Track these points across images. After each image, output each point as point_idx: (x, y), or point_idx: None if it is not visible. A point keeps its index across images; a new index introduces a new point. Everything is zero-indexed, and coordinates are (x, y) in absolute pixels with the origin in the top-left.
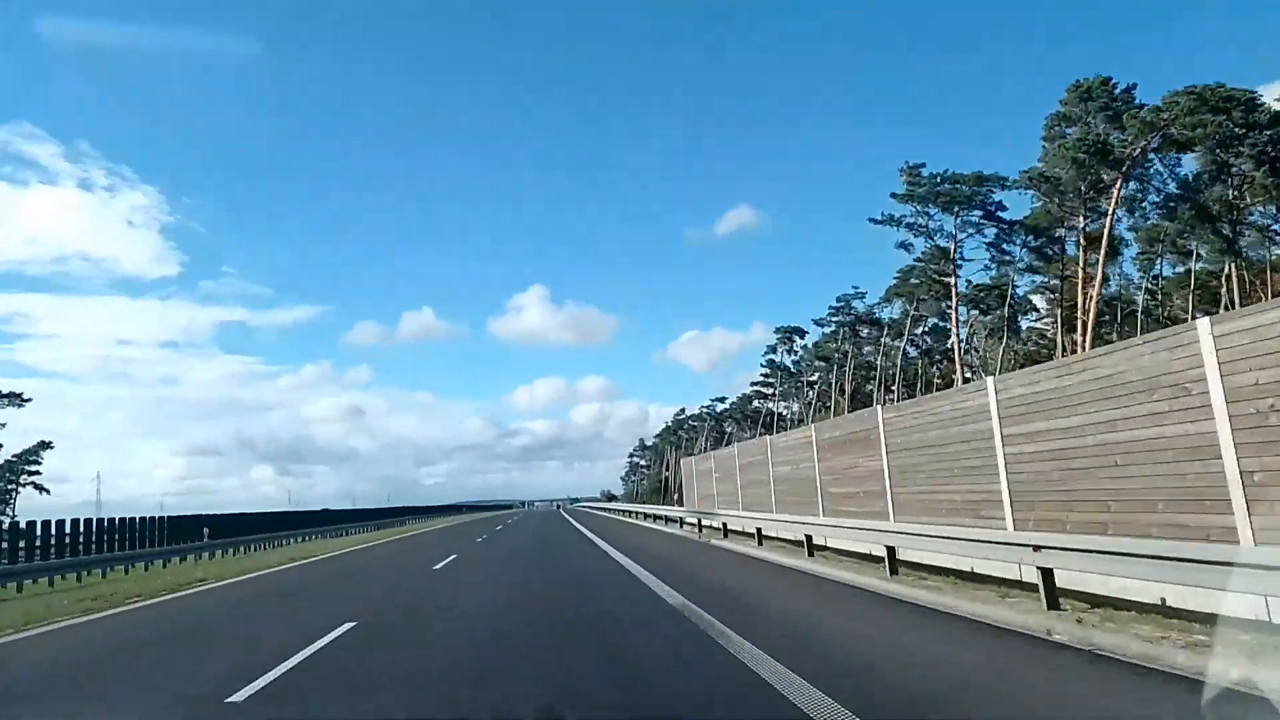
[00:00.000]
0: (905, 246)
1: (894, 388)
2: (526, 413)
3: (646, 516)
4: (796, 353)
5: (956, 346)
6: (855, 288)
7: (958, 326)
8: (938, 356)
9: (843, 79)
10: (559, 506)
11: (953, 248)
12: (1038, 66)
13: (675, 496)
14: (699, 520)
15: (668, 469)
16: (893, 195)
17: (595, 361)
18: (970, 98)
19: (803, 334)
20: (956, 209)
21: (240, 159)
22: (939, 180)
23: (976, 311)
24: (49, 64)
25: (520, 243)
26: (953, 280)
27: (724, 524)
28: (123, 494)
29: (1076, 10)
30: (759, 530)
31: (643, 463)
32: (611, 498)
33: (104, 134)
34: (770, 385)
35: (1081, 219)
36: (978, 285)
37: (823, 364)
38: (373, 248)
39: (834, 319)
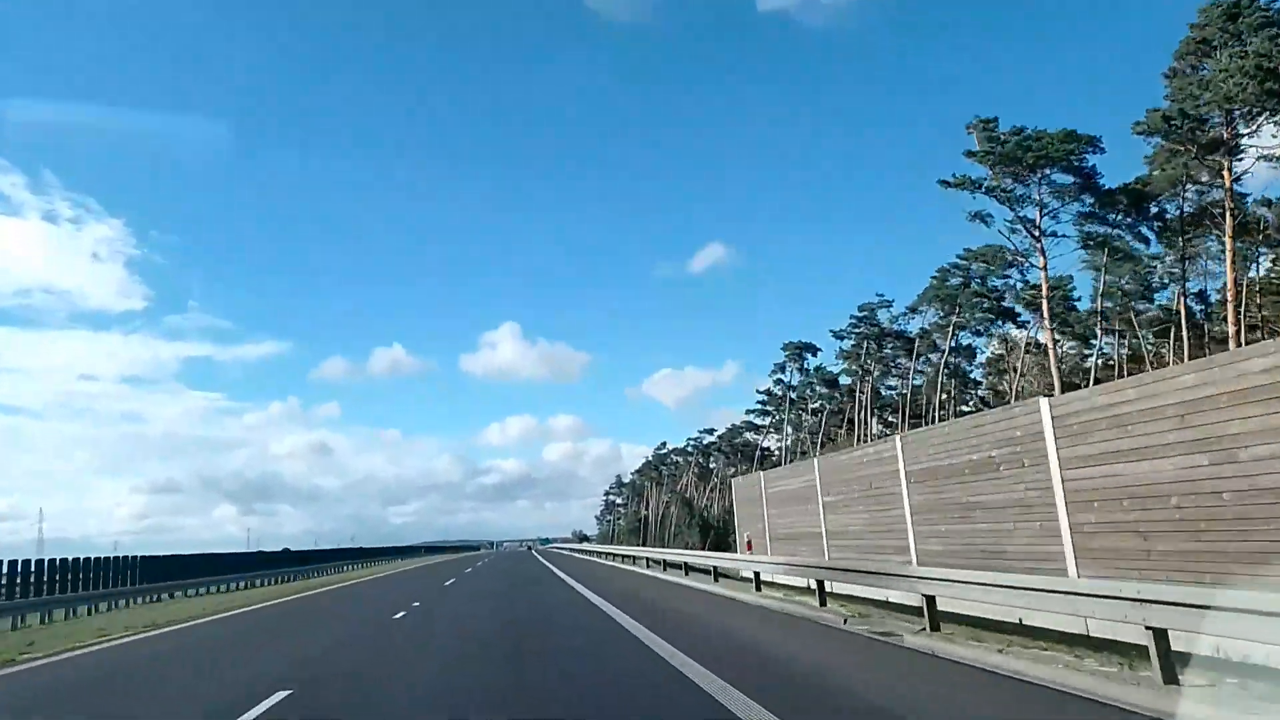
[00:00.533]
0: (983, 218)
1: (933, 412)
2: (497, 451)
3: (639, 561)
4: (803, 374)
5: (1051, 350)
6: (880, 295)
7: (1049, 318)
8: (973, 377)
9: (819, 115)
10: (530, 548)
11: (1038, 216)
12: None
13: (665, 535)
14: (755, 575)
15: (648, 507)
16: (967, 154)
17: (567, 399)
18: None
19: (815, 350)
20: (1041, 172)
21: (207, 191)
22: (1023, 138)
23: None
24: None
25: (493, 279)
26: (1041, 263)
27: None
28: (82, 532)
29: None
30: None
31: (619, 501)
32: (584, 538)
33: (69, 165)
34: (768, 413)
35: (1227, 175)
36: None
37: (824, 390)
38: (342, 283)
39: (855, 330)
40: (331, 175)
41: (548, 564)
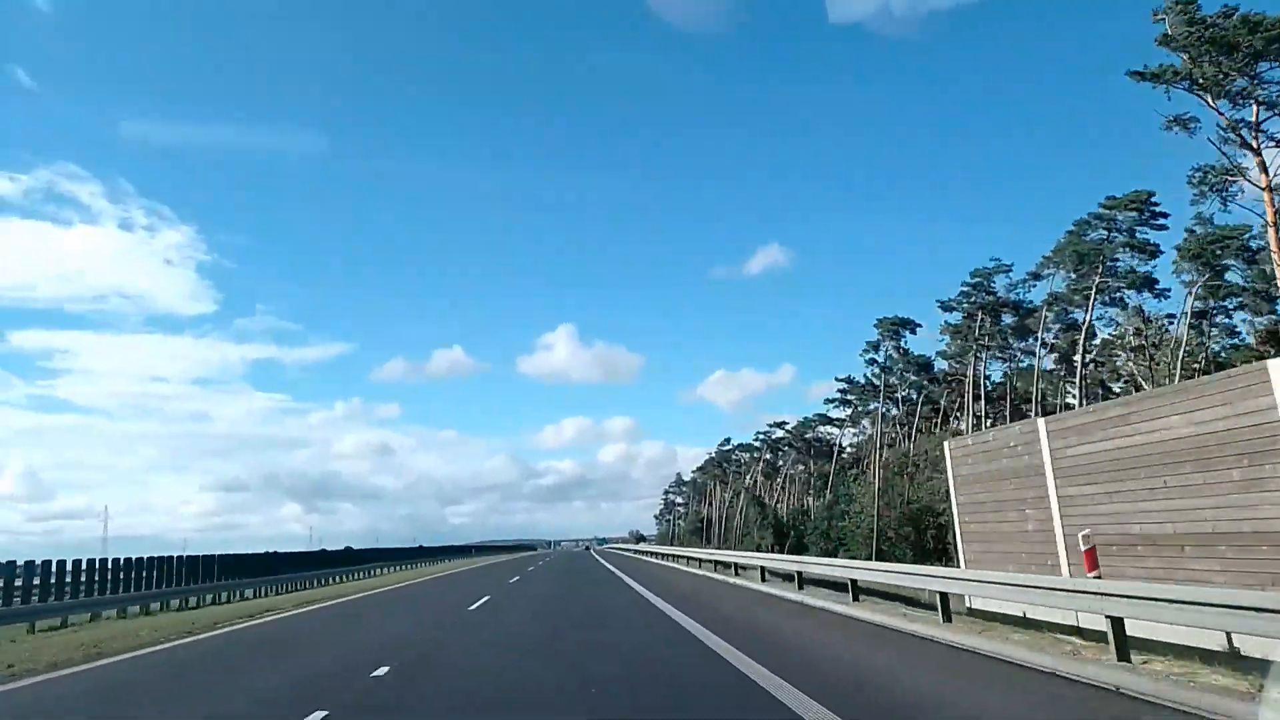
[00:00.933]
0: (1183, 123)
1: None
2: (553, 452)
3: (705, 564)
4: (901, 354)
5: None
6: (996, 259)
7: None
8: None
9: (881, 117)
10: (587, 547)
11: (1254, 113)
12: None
13: (730, 538)
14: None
15: (710, 506)
16: (1159, 40)
17: (621, 401)
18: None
19: (914, 327)
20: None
21: (275, 197)
22: (1237, 19)
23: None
24: (94, 106)
25: (551, 282)
26: (1264, 180)
27: None
28: (151, 529)
29: None
30: None
31: (679, 500)
32: (641, 538)
33: (144, 173)
34: (848, 402)
35: None
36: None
37: (914, 377)
38: (405, 286)
39: (967, 302)
40: (397, 180)
41: (608, 565)
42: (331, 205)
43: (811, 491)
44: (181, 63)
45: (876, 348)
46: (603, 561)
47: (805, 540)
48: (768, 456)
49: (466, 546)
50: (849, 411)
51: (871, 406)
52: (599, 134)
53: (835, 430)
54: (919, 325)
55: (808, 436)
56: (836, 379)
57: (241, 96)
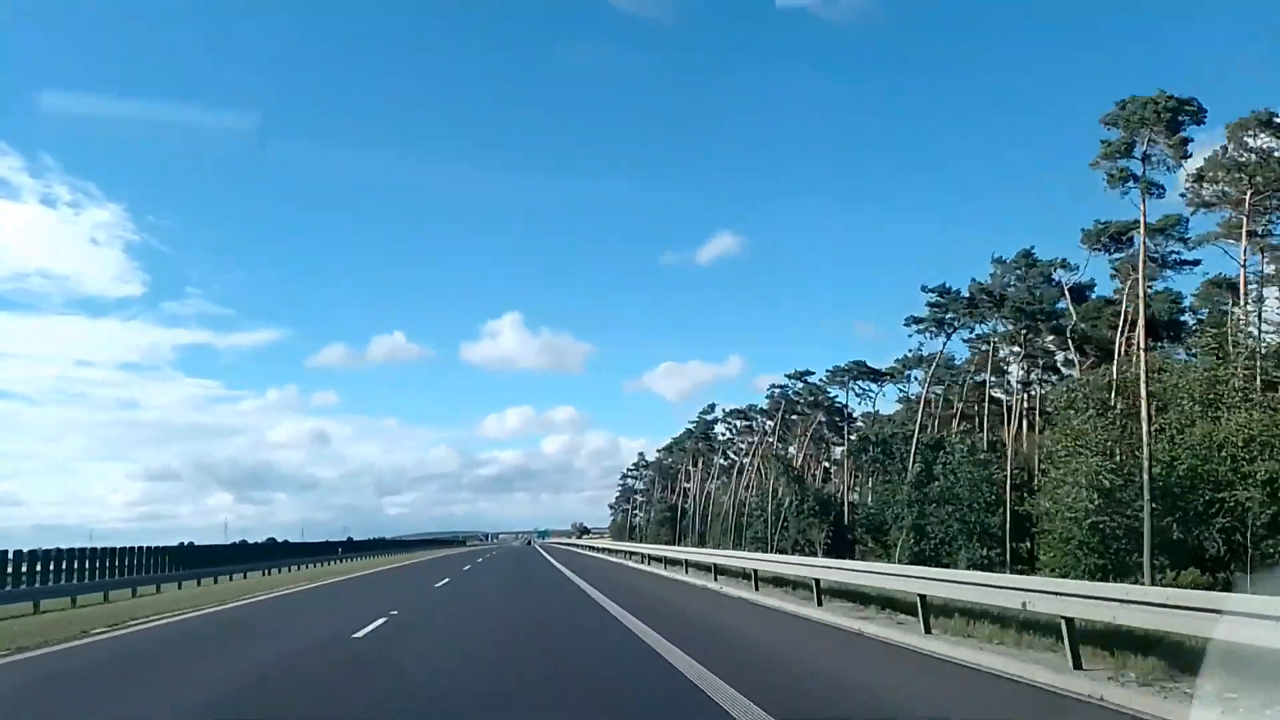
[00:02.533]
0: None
1: None
2: (496, 441)
3: (692, 569)
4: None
5: None
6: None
7: None
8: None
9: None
10: (529, 541)
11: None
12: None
13: (701, 535)
14: None
15: (682, 495)
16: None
17: (567, 390)
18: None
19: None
20: None
21: (207, 177)
22: None
23: None
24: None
25: (498, 267)
26: None
27: None
28: (78, 519)
29: None
30: None
31: (638, 486)
32: (584, 530)
33: (68, 148)
34: (944, 324)
35: None
36: None
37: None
38: (344, 269)
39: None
40: (335, 163)
41: (571, 575)
42: (267, 187)
43: (855, 470)
44: (109, 35)
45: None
46: (552, 562)
47: (888, 540)
48: (779, 427)
49: (390, 541)
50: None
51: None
52: (547, 121)
53: (874, 387)
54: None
55: (820, 399)
56: (924, 289)
57: (176, 72)
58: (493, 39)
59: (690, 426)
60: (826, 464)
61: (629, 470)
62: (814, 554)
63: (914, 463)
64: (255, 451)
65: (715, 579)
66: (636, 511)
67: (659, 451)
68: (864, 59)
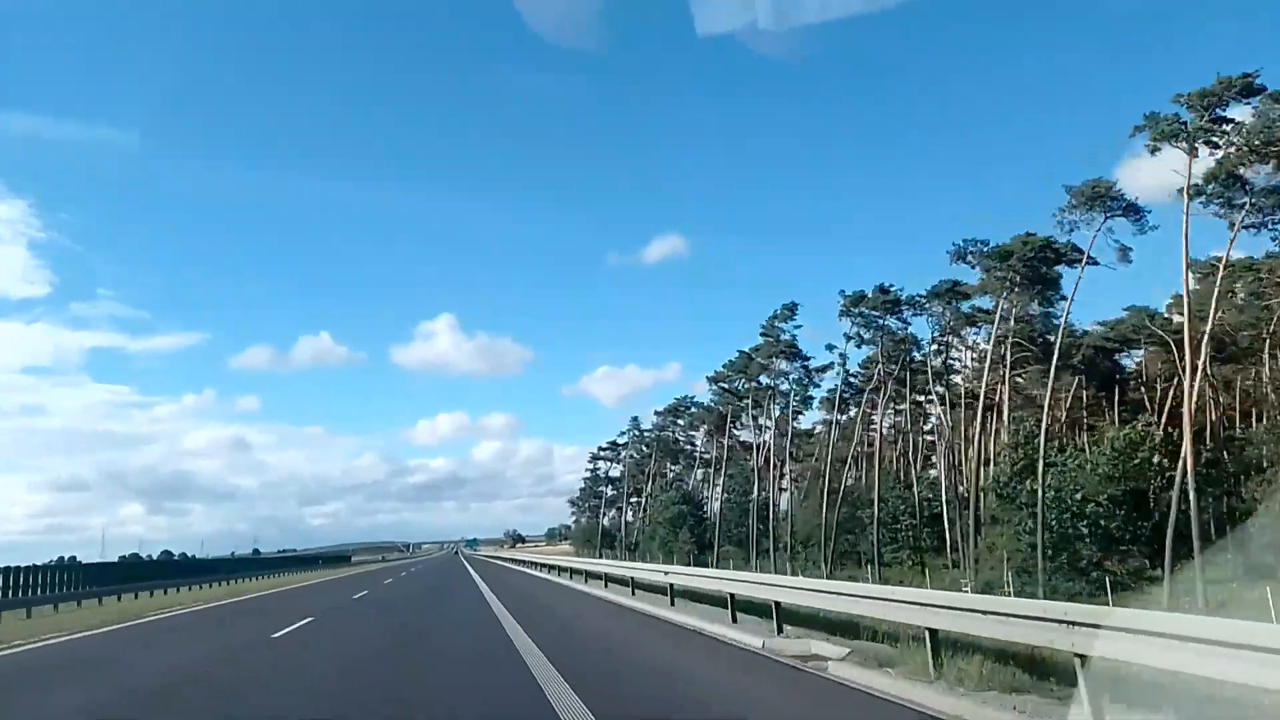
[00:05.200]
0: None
1: None
2: (426, 449)
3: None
4: None
5: None
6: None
7: None
8: None
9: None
10: (456, 551)
11: None
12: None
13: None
14: None
15: (649, 499)
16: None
17: (502, 395)
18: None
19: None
20: None
21: (120, 175)
22: None
23: None
24: None
25: (432, 268)
26: None
27: None
28: None
29: None
30: None
31: (613, 472)
32: (519, 539)
33: None
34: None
35: None
36: None
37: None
38: (267, 268)
39: None
40: (259, 153)
41: (501, 609)
42: (180, 186)
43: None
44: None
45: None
46: (481, 588)
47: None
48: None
49: (297, 558)
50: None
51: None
52: (478, 140)
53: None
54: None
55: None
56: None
57: (71, 86)
58: (426, 69)
59: (659, 410)
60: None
61: (602, 449)
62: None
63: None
64: (170, 460)
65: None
66: (615, 507)
67: (657, 414)
68: (783, 83)
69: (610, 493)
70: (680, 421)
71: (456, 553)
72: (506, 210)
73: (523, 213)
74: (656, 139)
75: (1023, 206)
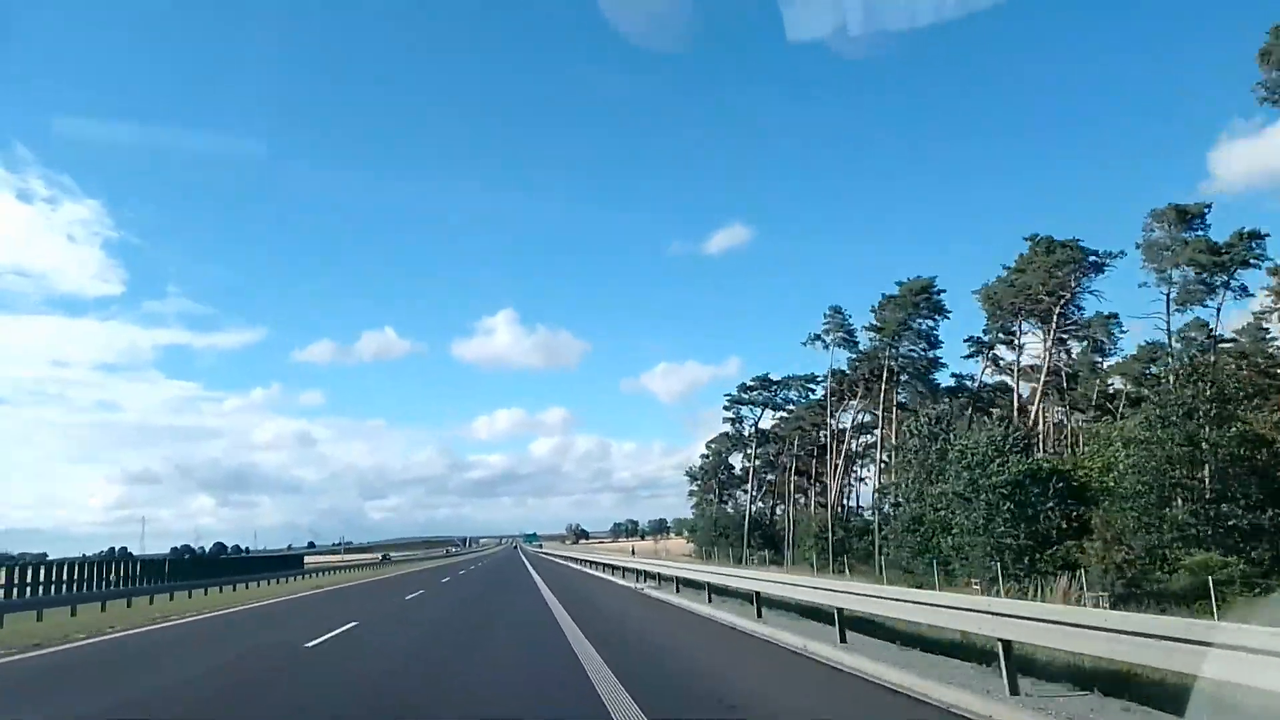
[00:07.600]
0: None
1: None
2: (484, 444)
3: None
4: None
5: None
6: None
7: None
8: None
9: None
10: (516, 545)
11: None
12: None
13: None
14: None
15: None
16: None
17: (560, 389)
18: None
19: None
20: None
21: (187, 170)
22: None
23: None
24: None
25: (494, 262)
26: None
27: None
28: (54, 523)
29: None
30: None
31: (767, 452)
32: (582, 534)
33: (44, 140)
34: None
35: None
36: None
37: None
38: (332, 263)
39: None
40: (323, 151)
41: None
42: (251, 185)
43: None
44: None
45: None
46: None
47: None
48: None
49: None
50: None
51: None
52: (557, 136)
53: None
54: None
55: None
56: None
57: (177, 90)
58: (516, 71)
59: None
60: None
61: (748, 387)
62: None
63: None
64: (238, 453)
65: None
66: (705, 512)
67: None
68: (868, 86)
69: (756, 463)
70: (927, 311)
71: (516, 547)
72: (567, 203)
73: (583, 205)
74: (730, 133)
75: (1090, 206)
